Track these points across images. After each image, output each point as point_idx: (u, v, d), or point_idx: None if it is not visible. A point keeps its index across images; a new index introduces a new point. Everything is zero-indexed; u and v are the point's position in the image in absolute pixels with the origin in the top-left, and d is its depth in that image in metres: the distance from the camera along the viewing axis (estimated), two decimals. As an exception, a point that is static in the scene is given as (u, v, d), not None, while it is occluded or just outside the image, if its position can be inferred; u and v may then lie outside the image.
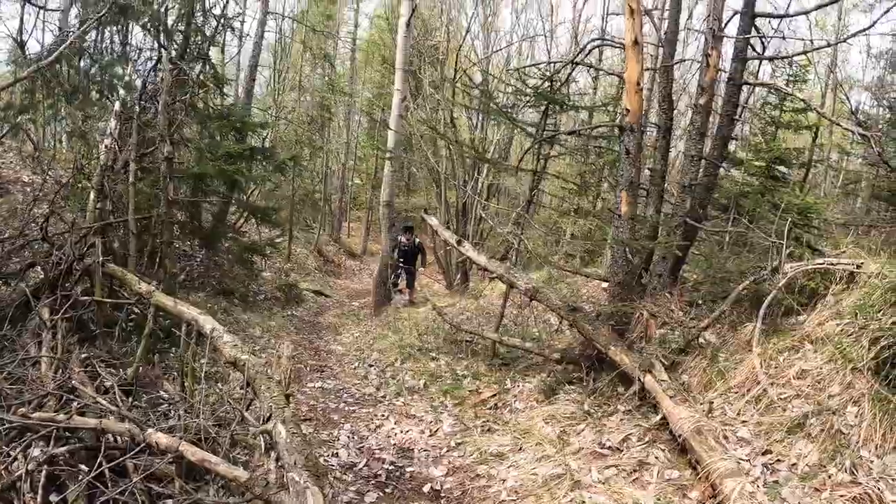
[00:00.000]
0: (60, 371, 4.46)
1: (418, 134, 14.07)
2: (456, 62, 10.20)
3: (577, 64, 7.98)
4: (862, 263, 4.78)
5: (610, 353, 5.48)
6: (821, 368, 4.22)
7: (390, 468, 4.92)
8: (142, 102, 7.62)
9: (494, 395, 6.32)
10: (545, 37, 18.33)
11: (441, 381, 6.97)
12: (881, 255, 5.22)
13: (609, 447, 4.66)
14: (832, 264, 4.96)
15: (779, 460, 3.77)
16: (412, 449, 5.32)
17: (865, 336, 4.05)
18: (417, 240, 12.09)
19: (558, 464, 4.55)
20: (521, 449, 4.99)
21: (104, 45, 8.87)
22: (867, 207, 13.86)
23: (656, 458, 4.36)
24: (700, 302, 6.11)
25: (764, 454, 3.86)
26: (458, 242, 7.74)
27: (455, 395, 6.47)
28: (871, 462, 3.48)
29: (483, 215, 13.50)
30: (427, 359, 7.68)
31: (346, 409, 6.44)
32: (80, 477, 3.31)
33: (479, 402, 6.22)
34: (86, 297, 5.68)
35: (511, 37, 18.59)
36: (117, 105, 7.15)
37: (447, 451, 5.25)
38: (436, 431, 5.69)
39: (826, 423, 3.79)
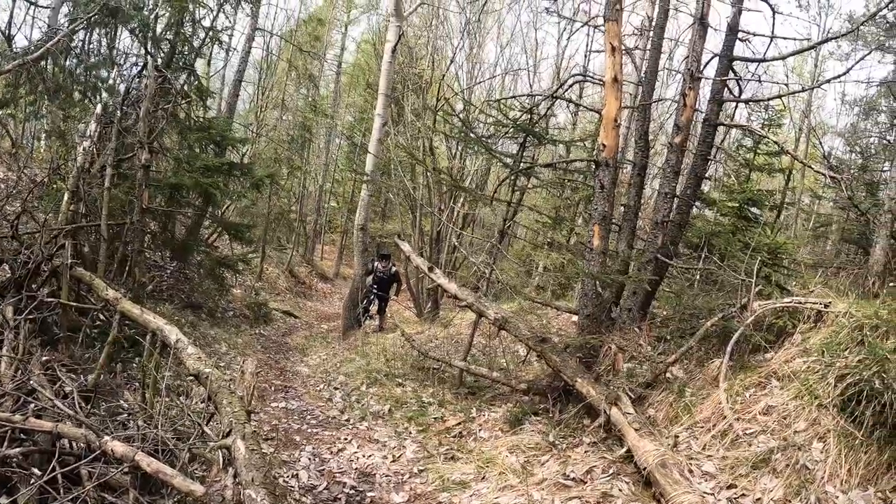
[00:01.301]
0: (20, 372, 4.35)
1: (397, 160, 14.11)
2: (438, 91, 10.28)
3: (558, 98, 8.09)
4: (830, 303, 4.86)
5: (577, 384, 5.48)
6: (787, 404, 4.26)
7: (351, 492, 4.82)
8: (124, 107, 7.55)
9: (459, 423, 6.27)
10: (528, 71, 18.54)
11: (406, 407, 6.90)
12: (849, 296, 5.32)
13: (573, 479, 4.63)
14: (800, 303, 5.03)
15: (744, 495, 3.78)
16: (374, 474, 5.24)
17: (832, 373, 4.12)
18: (394, 268, 12.03)
19: (521, 493, 4.51)
20: (484, 478, 4.94)
21: (91, 47, 8.86)
22: (837, 249, 14.16)
23: (620, 490, 4.34)
24: (668, 337, 6.16)
25: (729, 488, 3.87)
26: (430, 269, 7.73)
27: (420, 422, 6.40)
28: (837, 497, 3.51)
29: (457, 244, 13.49)
30: (393, 384, 7.61)
31: (309, 430, 6.33)
32: (33, 480, 3.22)
33: (444, 430, 6.17)
34: (51, 300, 5.57)
35: (495, 69, 18.78)
36: (99, 108, 7.12)
37: (409, 477, 5.17)
38: (399, 457, 5.61)
39: (791, 458, 3.81)
